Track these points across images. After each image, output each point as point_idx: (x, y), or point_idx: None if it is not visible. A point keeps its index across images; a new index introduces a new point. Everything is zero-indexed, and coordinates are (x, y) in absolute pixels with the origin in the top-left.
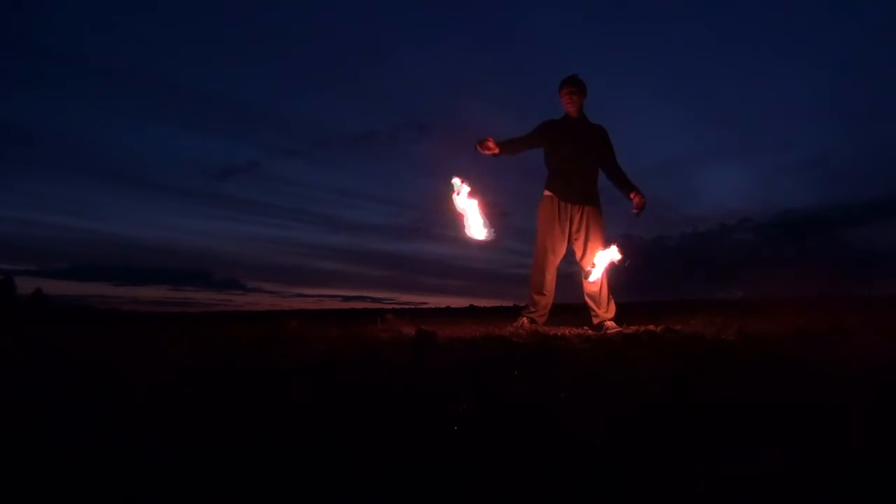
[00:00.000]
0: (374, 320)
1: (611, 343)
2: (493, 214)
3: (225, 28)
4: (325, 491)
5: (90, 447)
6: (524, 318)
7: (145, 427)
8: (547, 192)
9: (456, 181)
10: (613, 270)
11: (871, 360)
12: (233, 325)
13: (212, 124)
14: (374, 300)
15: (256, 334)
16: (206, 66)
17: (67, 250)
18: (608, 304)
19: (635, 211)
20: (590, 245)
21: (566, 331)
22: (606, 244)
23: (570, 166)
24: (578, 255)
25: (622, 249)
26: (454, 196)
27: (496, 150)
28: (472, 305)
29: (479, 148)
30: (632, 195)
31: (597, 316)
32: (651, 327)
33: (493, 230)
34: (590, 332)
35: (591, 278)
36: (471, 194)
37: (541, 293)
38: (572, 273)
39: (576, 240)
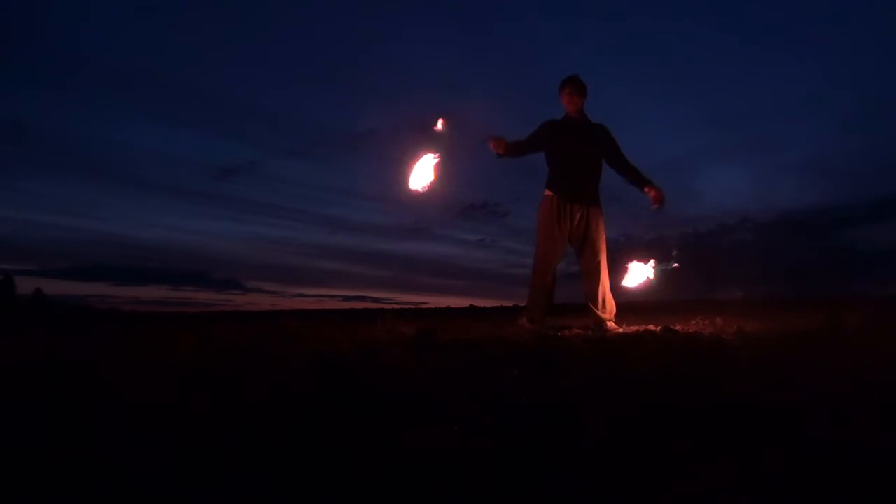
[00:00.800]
0: (373, 320)
1: (611, 343)
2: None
3: (225, 28)
4: (325, 491)
5: (90, 447)
6: (524, 319)
7: (145, 427)
8: (547, 192)
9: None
10: (637, 273)
11: (871, 360)
12: (233, 325)
13: (212, 124)
14: (374, 300)
15: (256, 334)
16: (206, 65)
17: (67, 250)
18: (608, 304)
19: (654, 206)
20: (590, 245)
21: (566, 331)
22: (639, 255)
23: (570, 166)
24: (579, 254)
25: (672, 255)
26: (425, 158)
27: (501, 151)
28: (472, 305)
29: (491, 144)
30: (646, 189)
31: (597, 316)
32: (651, 327)
33: (430, 186)
34: (590, 332)
35: (628, 284)
36: (436, 166)
37: (541, 293)
38: (572, 273)
39: (576, 240)
